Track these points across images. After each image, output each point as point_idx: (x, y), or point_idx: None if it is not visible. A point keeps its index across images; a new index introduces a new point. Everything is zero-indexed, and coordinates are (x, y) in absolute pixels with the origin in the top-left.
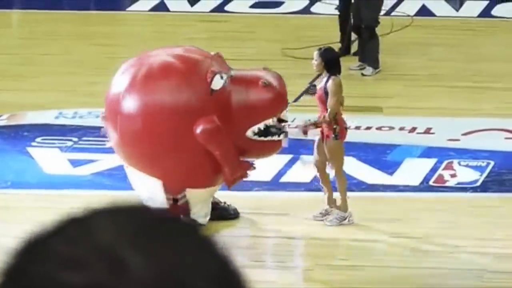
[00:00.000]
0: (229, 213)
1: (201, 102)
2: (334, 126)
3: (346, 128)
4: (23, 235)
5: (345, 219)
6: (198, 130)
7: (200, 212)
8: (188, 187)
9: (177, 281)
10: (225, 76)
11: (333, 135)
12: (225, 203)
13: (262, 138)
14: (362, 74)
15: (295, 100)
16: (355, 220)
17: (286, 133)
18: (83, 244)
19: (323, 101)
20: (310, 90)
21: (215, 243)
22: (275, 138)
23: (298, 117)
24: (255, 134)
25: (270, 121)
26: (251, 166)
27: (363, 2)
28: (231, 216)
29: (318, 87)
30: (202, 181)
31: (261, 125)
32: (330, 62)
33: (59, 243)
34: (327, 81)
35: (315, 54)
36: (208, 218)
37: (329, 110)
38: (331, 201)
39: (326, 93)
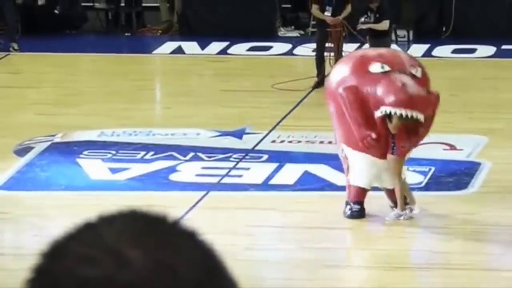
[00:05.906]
0: None
1: (359, 78)
2: (392, 144)
3: (402, 147)
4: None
5: (401, 216)
6: (340, 89)
7: (358, 177)
8: (344, 144)
9: (169, 268)
10: (385, 66)
11: (391, 151)
12: None
13: (381, 115)
14: None
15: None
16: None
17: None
18: (94, 245)
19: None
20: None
21: (199, 236)
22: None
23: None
24: (381, 113)
25: (396, 111)
26: (371, 135)
27: (375, 45)
28: None
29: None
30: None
31: (387, 109)
32: None
33: (76, 245)
34: None
35: None
36: (368, 186)
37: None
38: (394, 201)
39: None
